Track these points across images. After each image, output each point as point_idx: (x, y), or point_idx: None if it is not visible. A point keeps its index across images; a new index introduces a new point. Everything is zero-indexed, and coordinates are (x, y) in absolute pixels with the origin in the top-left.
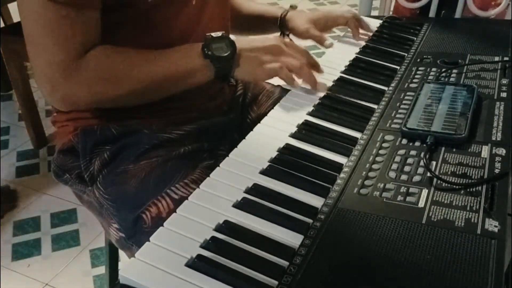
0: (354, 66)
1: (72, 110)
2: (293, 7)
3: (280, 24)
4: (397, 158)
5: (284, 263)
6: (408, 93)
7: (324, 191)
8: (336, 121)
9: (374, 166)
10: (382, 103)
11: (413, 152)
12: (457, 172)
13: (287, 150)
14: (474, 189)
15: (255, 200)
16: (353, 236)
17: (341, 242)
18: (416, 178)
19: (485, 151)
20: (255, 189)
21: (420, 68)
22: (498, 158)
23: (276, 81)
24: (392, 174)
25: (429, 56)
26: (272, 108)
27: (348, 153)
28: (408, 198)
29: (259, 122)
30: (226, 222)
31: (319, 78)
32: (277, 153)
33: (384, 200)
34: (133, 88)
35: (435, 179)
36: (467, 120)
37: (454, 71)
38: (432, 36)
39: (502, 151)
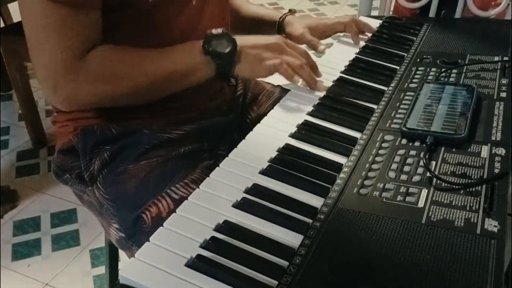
0: (354, 66)
1: (73, 110)
2: (292, 12)
3: (277, 27)
4: (397, 158)
5: (284, 263)
6: (407, 93)
7: (323, 191)
8: (335, 121)
9: (374, 166)
10: (382, 103)
11: (412, 152)
12: (457, 172)
13: (287, 150)
14: (473, 189)
15: (255, 200)
16: (352, 236)
17: (341, 242)
18: (416, 178)
19: (484, 151)
20: (255, 189)
21: (420, 68)
22: (497, 158)
23: (276, 80)
24: (391, 174)
25: (429, 56)
26: (272, 108)
27: (347, 153)
28: (408, 198)
29: (259, 122)
30: (226, 222)
31: (319, 78)
32: (277, 153)
33: (384, 200)
34: (135, 86)
35: (434, 179)
36: (466, 120)
37: (454, 71)
38: (432, 36)
39: (501, 151)
